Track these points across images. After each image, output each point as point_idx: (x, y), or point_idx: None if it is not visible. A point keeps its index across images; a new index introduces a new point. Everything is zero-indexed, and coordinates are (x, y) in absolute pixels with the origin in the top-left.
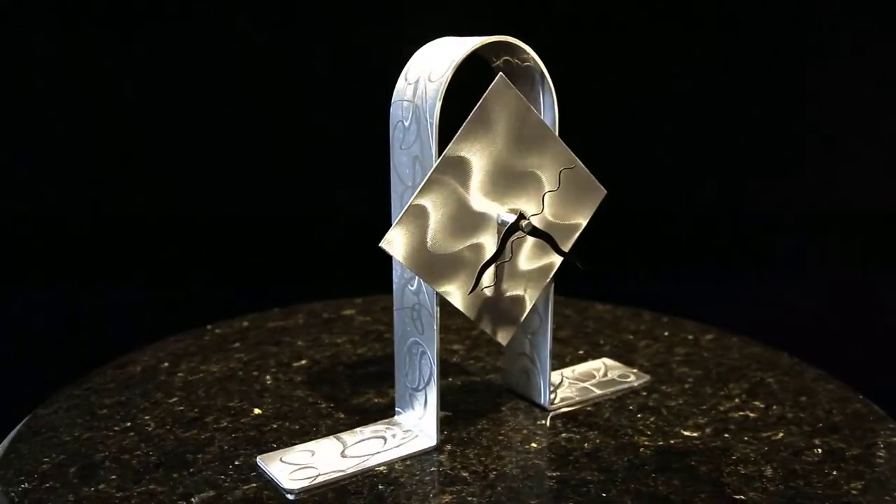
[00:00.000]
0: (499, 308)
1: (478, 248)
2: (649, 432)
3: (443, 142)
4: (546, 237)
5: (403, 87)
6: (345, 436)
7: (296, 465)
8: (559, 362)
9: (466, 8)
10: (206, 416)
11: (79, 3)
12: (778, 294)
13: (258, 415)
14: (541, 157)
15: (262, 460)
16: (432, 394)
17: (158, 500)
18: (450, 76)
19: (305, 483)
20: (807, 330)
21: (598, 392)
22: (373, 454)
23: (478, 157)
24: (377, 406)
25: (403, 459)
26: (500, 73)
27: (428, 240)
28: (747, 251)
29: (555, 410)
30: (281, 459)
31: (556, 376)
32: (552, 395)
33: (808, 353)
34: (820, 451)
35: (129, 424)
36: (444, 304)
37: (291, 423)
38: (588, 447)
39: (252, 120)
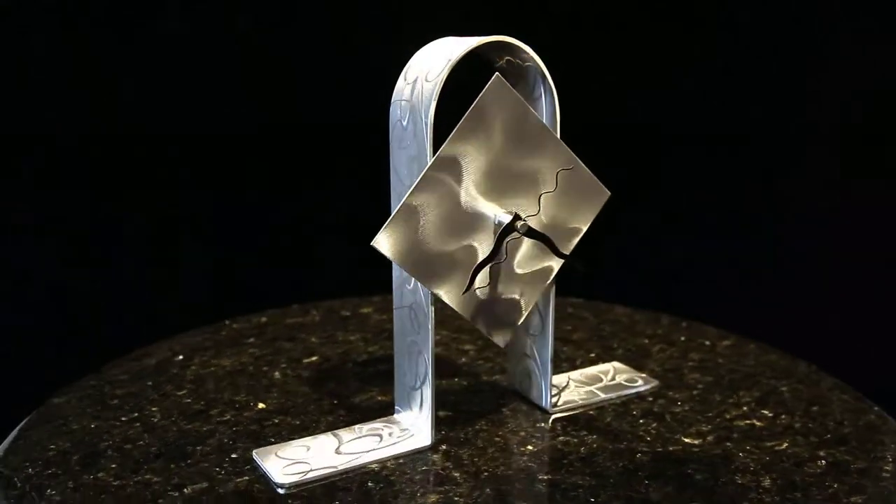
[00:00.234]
0: (497, 309)
1: (473, 248)
2: (649, 438)
3: (441, 142)
4: (543, 239)
5: (402, 87)
6: (342, 432)
7: (289, 460)
8: (570, 365)
9: (466, 8)
10: (211, 409)
11: (79, 3)
12: (780, 294)
13: (261, 409)
14: (540, 158)
15: (257, 454)
16: (428, 393)
17: (153, 489)
18: (445, 76)
19: (296, 478)
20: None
21: (603, 396)
22: (366, 452)
23: (474, 156)
24: (380, 404)
25: (397, 458)
26: (497, 73)
27: (421, 239)
28: (748, 251)
29: (556, 413)
30: (276, 454)
31: (562, 379)
32: (555, 398)
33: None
34: (823, 462)
35: (136, 415)
36: (446, 304)
37: (293, 419)
38: (584, 451)
39: (252, 120)
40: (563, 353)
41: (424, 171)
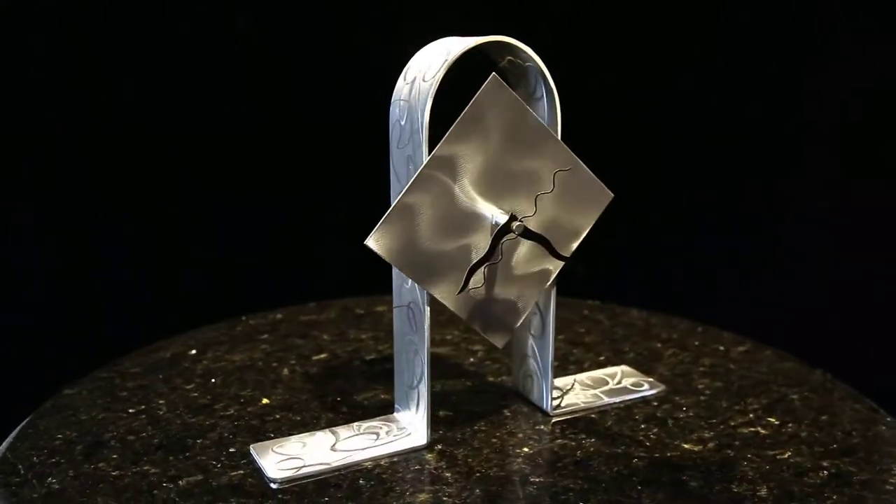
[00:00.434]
0: (495, 310)
1: (470, 248)
2: (648, 443)
3: (438, 142)
4: (541, 240)
5: (401, 87)
6: (340, 430)
7: (285, 456)
8: (577, 367)
9: (466, 8)
10: (216, 404)
11: (79, 3)
12: (780, 295)
13: (265, 405)
14: (539, 159)
15: (254, 449)
16: (424, 392)
17: (149, 480)
18: (441, 76)
19: (289, 473)
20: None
21: (607, 400)
22: (362, 449)
23: (470, 156)
24: (383, 402)
25: (391, 456)
26: (494, 73)
27: (416, 238)
28: (746, 253)
29: (557, 416)
30: (272, 449)
31: (567, 381)
32: (557, 401)
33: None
34: (825, 473)
35: (143, 407)
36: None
37: (294, 415)
38: (580, 455)
39: (252, 120)
40: (573, 355)
41: (419, 170)
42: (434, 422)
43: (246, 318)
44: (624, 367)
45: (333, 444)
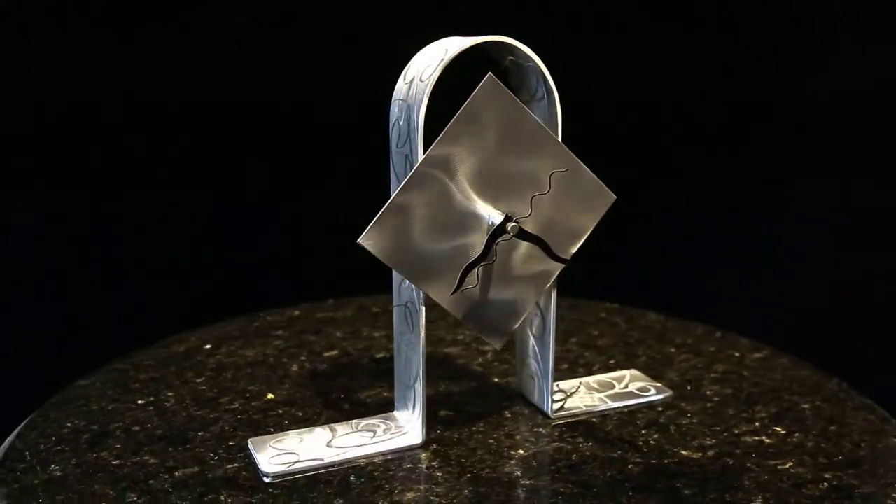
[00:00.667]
0: (492, 311)
1: (466, 248)
2: (646, 449)
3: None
4: (537, 241)
5: (401, 87)
6: (338, 426)
7: (280, 451)
8: (586, 370)
9: (467, 8)
10: (222, 398)
11: (79, 3)
12: (780, 294)
13: (269, 400)
14: (538, 160)
15: (252, 443)
16: (420, 391)
17: (146, 470)
18: (437, 75)
19: (282, 468)
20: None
21: (611, 404)
22: (357, 446)
23: (466, 156)
24: (385, 400)
25: (386, 454)
26: (490, 73)
27: (411, 238)
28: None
29: (558, 419)
30: (270, 444)
31: (573, 384)
32: (559, 403)
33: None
34: (825, 485)
35: (151, 399)
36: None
37: (297, 410)
38: (575, 458)
39: (253, 120)
40: (584, 358)
41: (413, 169)
42: (434, 421)
43: (263, 313)
44: (633, 371)
45: (329, 441)
